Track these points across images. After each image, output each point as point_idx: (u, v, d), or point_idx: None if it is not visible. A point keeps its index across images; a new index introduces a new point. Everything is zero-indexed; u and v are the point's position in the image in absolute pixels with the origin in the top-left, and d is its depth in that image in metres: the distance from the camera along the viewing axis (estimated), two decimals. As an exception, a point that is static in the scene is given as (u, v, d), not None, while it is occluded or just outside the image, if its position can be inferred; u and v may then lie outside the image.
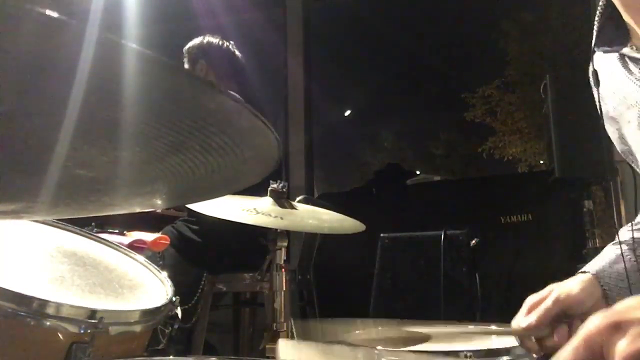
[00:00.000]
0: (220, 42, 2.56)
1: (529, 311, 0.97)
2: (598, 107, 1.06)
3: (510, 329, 0.98)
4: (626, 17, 0.92)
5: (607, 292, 1.00)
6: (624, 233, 1.13)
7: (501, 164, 11.70)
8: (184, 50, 2.57)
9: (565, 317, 0.94)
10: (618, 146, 1.07)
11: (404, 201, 3.67)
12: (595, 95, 1.08)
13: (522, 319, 0.96)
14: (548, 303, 0.95)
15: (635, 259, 1.03)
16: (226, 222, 1.38)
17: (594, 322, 0.57)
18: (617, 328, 0.54)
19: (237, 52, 2.59)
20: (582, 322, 0.77)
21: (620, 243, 1.06)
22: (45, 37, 0.33)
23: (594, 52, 1.00)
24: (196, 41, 2.56)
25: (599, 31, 0.96)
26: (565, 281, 1.02)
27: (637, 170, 1.05)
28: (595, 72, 1.02)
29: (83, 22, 0.32)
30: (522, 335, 0.95)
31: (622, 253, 1.03)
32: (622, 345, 0.53)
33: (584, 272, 1.03)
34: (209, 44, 2.54)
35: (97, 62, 0.35)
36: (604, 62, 1.03)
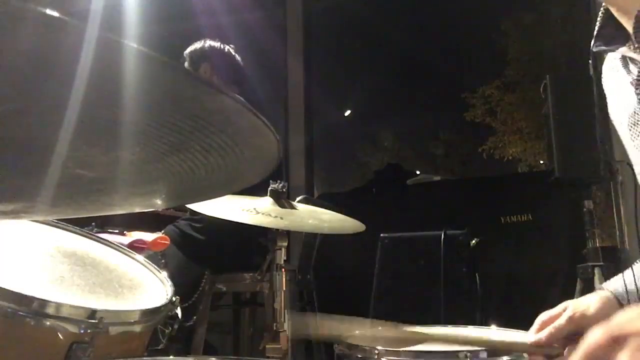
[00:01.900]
0: (222, 46, 2.56)
1: (541, 327, 0.94)
2: (595, 102, 1.06)
3: (519, 343, 0.95)
4: (621, 19, 0.92)
5: None
6: None
7: (501, 164, 11.70)
8: (184, 54, 2.57)
9: (579, 335, 0.89)
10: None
11: (404, 201, 3.67)
12: (595, 92, 1.08)
13: (532, 335, 0.93)
14: (561, 321, 0.92)
15: None
16: (227, 221, 1.38)
17: (594, 337, 0.56)
18: (617, 341, 0.54)
19: (237, 56, 2.60)
20: None
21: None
22: (46, 37, 0.33)
23: (592, 50, 1.00)
24: (197, 45, 2.56)
25: (599, 30, 0.96)
26: (582, 298, 0.97)
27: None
28: (594, 68, 1.02)
29: (83, 22, 0.32)
30: (531, 351, 0.92)
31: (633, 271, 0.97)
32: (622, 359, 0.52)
33: (603, 289, 0.98)
34: (211, 47, 2.55)
35: (97, 61, 0.35)
36: (610, 63, 1.03)
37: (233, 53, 2.59)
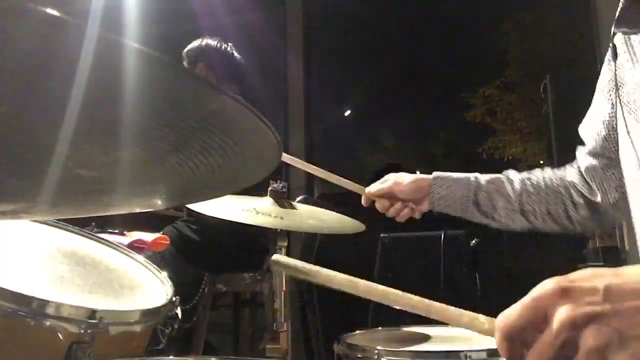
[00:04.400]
0: (219, 44, 2.55)
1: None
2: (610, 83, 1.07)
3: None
4: None
5: (432, 196, 1.42)
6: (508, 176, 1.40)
7: (501, 164, 11.69)
8: (182, 53, 2.56)
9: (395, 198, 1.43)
10: None
11: (404, 201, 3.66)
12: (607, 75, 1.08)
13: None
14: (384, 185, 1.43)
15: (470, 196, 1.38)
16: (226, 222, 1.38)
17: (545, 286, 0.59)
18: (564, 294, 0.56)
19: (235, 54, 2.59)
20: (401, 205, 1.48)
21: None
22: (46, 36, 0.33)
23: (614, 33, 1.01)
24: (195, 43, 2.55)
25: (620, 13, 0.97)
26: (405, 174, 1.43)
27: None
28: (614, 47, 1.02)
29: (83, 21, 0.32)
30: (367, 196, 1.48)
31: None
32: (563, 310, 0.55)
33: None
34: (207, 45, 2.53)
35: (98, 61, 0.35)
36: (626, 46, 1.03)
37: (231, 51, 2.57)
